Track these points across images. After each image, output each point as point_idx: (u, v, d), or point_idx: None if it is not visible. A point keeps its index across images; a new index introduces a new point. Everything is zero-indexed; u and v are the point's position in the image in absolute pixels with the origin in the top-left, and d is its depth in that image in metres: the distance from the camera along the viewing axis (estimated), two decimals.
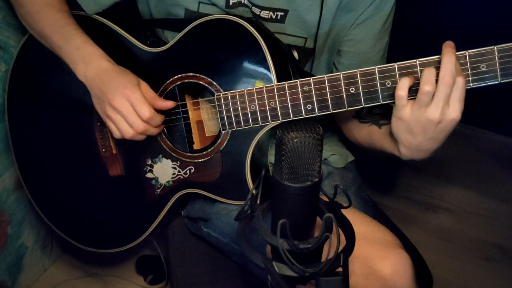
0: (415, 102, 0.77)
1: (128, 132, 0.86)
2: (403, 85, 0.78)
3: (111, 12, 1.00)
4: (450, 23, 1.67)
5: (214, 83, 0.92)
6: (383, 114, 0.97)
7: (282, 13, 0.94)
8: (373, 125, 0.96)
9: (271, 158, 1.02)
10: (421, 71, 0.79)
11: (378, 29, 0.96)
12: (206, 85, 0.93)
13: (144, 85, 0.89)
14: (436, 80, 0.76)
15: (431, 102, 0.75)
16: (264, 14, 0.94)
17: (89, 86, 0.89)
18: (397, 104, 0.79)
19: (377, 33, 0.97)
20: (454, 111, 0.75)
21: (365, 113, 0.99)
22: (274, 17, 0.94)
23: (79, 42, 0.90)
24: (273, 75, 0.88)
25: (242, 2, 0.93)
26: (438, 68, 0.76)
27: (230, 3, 0.93)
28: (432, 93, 0.75)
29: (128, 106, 0.84)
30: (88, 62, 0.88)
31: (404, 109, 0.78)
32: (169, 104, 0.91)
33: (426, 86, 0.75)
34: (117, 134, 0.88)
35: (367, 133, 0.97)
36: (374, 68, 0.81)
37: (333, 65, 1.04)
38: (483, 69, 0.77)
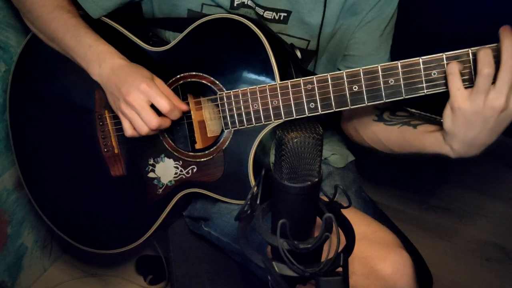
0: (474, 88, 0.72)
1: (143, 128, 0.86)
2: (453, 70, 0.73)
3: (114, 12, 1.00)
4: (452, 21, 1.67)
5: (217, 82, 0.92)
6: (409, 116, 0.94)
7: (285, 14, 0.94)
8: (405, 126, 0.91)
9: (273, 158, 1.02)
10: (424, 68, 0.79)
11: (382, 31, 0.96)
12: (208, 84, 0.93)
13: (159, 81, 0.89)
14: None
15: (494, 88, 0.71)
16: (268, 14, 0.94)
17: (103, 84, 0.89)
18: (453, 93, 0.74)
19: (380, 36, 0.97)
20: None
21: (389, 116, 0.96)
22: (277, 17, 0.94)
23: (91, 40, 0.90)
24: (276, 74, 0.88)
25: (246, 3, 0.93)
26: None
27: (234, 4, 0.93)
28: (491, 76, 0.70)
29: (143, 101, 0.84)
30: (102, 59, 0.88)
31: (462, 98, 0.73)
32: (184, 107, 0.90)
33: (485, 68, 0.70)
34: (128, 132, 0.88)
35: (398, 135, 0.92)
36: (377, 67, 0.81)
37: (338, 70, 1.03)
38: None
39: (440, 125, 0.83)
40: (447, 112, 0.77)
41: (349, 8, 0.93)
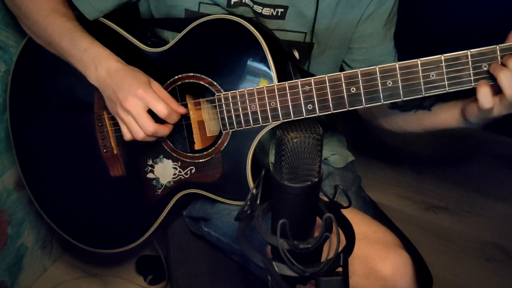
0: (502, 104, 0.76)
1: (139, 134, 0.85)
2: (487, 98, 0.76)
3: (111, 12, 1.00)
4: (450, 22, 1.67)
5: (215, 83, 0.92)
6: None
7: (282, 10, 0.94)
8: (420, 110, 0.95)
9: (273, 158, 1.02)
10: (423, 70, 0.79)
11: (385, 21, 0.97)
12: (206, 85, 0.93)
13: (156, 84, 0.88)
14: None
15: None
16: (266, 11, 0.94)
17: (101, 88, 0.88)
18: (484, 112, 0.78)
19: (385, 26, 0.98)
20: None
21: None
22: (275, 14, 0.94)
23: (86, 43, 0.90)
24: (273, 75, 0.88)
25: (243, 1, 0.93)
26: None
27: (232, 3, 0.93)
28: (491, 108, 0.76)
29: (139, 107, 0.83)
30: (98, 63, 0.87)
31: (492, 111, 0.78)
32: (181, 110, 0.89)
33: (485, 105, 0.75)
34: (127, 136, 0.87)
35: (416, 120, 0.97)
36: (375, 68, 0.81)
37: (344, 63, 1.04)
38: (485, 68, 0.77)
39: (451, 101, 0.89)
40: (473, 115, 0.82)
41: (347, 2, 0.93)
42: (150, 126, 0.84)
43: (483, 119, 0.82)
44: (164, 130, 0.87)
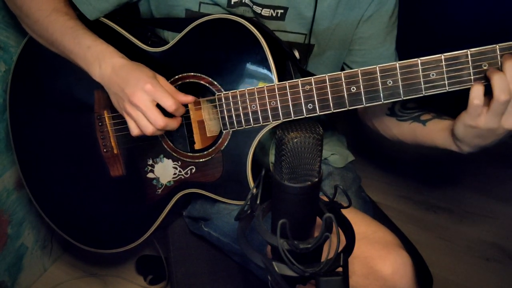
0: (490, 111, 0.76)
1: (148, 128, 0.85)
2: (478, 94, 0.76)
3: (112, 12, 1.00)
4: (450, 22, 1.67)
5: (215, 82, 0.92)
6: (418, 107, 0.97)
7: (282, 11, 0.94)
8: (415, 123, 0.95)
9: (273, 158, 1.02)
10: (423, 70, 0.79)
11: (386, 24, 0.97)
12: (207, 84, 0.93)
13: (162, 79, 0.88)
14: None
15: (505, 110, 0.75)
16: (265, 12, 0.94)
17: (105, 84, 0.88)
18: (471, 113, 0.77)
19: (385, 28, 0.97)
20: None
21: (399, 109, 0.98)
22: (274, 14, 0.94)
23: (89, 41, 0.89)
24: (274, 75, 0.88)
25: (243, 1, 0.93)
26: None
27: (232, 2, 0.93)
28: (509, 101, 0.75)
29: (148, 101, 0.83)
30: (102, 59, 0.87)
31: (479, 118, 0.77)
32: (189, 98, 0.90)
33: (503, 96, 0.74)
34: (135, 132, 0.87)
35: (410, 131, 0.96)
36: (375, 67, 0.82)
37: (344, 65, 1.04)
38: (484, 67, 0.77)
39: (448, 120, 0.88)
40: (461, 126, 0.81)
41: (347, 3, 0.93)
42: (160, 120, 0.84)
43: (469, 134, 0.81)
44: (174, 123, 0.87)
